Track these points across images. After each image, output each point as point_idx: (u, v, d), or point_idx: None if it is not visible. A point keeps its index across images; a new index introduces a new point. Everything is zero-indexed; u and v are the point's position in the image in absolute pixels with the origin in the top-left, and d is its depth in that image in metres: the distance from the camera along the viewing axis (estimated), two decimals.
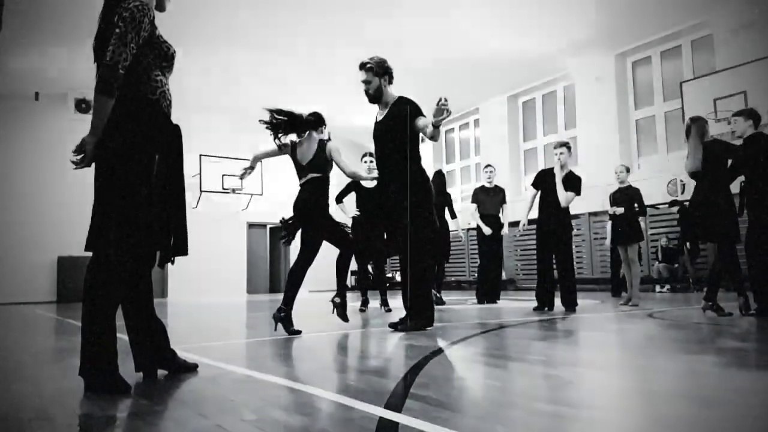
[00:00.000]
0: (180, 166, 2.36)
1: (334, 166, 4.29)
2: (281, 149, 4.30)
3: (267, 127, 4.14)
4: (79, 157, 2.14)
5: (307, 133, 4.33)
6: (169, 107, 2.35)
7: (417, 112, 4.12)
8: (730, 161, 4.84)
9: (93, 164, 2.17)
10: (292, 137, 4.36)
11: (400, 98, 4.22)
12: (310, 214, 4.17)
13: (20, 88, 11.60)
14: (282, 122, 4.14)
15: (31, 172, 11.62)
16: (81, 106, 12.08)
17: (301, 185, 4.26)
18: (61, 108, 12.09)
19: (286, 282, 4.23)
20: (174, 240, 2.34)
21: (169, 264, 2.40)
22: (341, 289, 4.32)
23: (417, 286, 4.13)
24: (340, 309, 4.31)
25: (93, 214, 2.15)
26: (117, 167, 2.12)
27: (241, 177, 4.37)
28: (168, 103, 2.34)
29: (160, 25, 2.35)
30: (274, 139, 4.18)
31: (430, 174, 4.87)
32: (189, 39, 8.82)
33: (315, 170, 4.22)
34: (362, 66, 4.20)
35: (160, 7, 2.43)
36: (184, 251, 2.37)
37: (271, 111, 4.12)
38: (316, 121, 4.34)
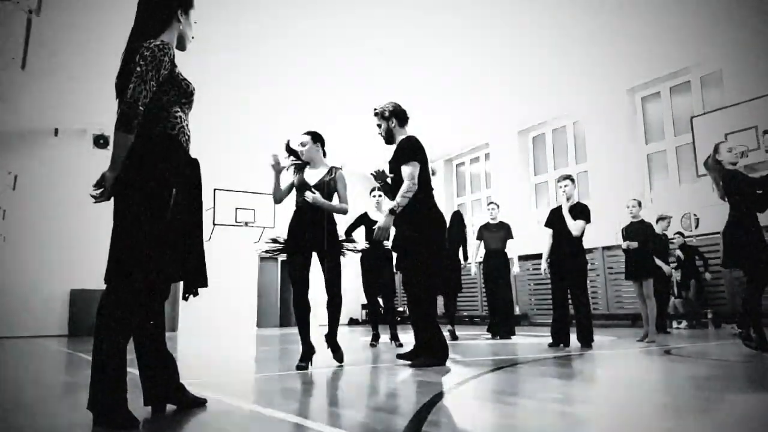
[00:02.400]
0: (198, 200, 2.40)
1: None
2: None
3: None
4: (98, 191, 2.18)
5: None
6: (188, 142, 2.40)
7: (404, 155, 4.20)
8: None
9: (112, 198, 2.21)
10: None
11: (402, 139, 4.34)
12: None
13: (40, 124, 11.85)
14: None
15: (47, 206, 11.76)
16: (99, 141, 12.28)
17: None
18: (79, 143, 12.30)
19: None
20: (194, 272, 2.35)
21: (191, 296, 2.40)
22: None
23: (422, 321, 4.13)
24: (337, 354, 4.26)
25: (111, 247, 2.17)
26: (135, 201, 2.16)
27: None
28: (187, 138, 2.39)
29: (180, 62, 2.41)
30: None
31: (444, 208, 4.88)
32: (205, 75, 9.01)
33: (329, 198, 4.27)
34: (374, 113, 4.47)
35: (181, 47, 2.50)
36: (204, 283, 2.39)
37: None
38: (314, 138, 4.41)
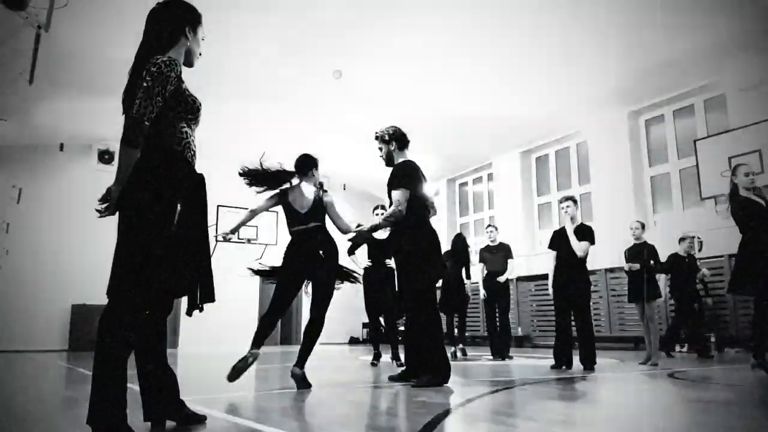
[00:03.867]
0: (203, 214, 2.40)
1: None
2: (277, 199, 4.38)
3: (248, 183, 4.37)
4: (104, 205, 2.19)
5: (298, 178, 4.39)
6: (194, 158, 2.41)
7: (396, 181, 4.34)
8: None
9: (116, 213, 2.21)
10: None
11: (397, 164, 4.49)
12: (331, 257, 4.14)
13: (46, 139, 11.93)
14: (266, 176, 4.33)
15: (50, 220, 11.78)
16: (104, 157, 12.35)
17: (300, 232, 4.22)
18: (84, 159, 12.37)
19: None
20: (201, 288, 2.35)
21: (195, 312, 2.39)
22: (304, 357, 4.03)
23: (422, 340, 4.17)
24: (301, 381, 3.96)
25: (113, 262, 2.17)
26: (140, 216, 2.16)
27: (225, 239, 4.38)
28: (192, 153, 2.40)
29: (187, 78, 2.43)
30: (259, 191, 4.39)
31: (442, 230, 4.96)
32: (211, 92, 9.09)
33: (316, 219, 4.22)
34: (375, 137, 4.64)
35: (189, 63, 2.52)
36: (211, 298, 2.38)
37: (247, 171, 4.38)
38: (301, 165, 4.41)
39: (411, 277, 4.21)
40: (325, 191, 4.39)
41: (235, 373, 3.98)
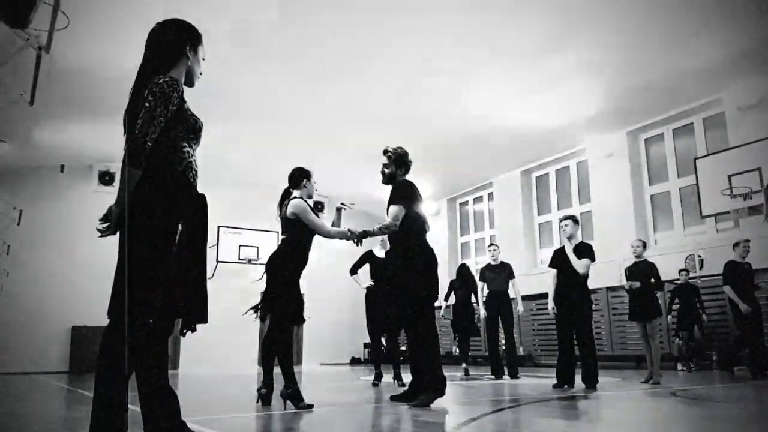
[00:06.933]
0: (203, 235, 2.40)
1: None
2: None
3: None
4: (105, 225, 2.20)
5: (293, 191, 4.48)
6: (195, 177, 2.42)
7: (395, 196, 4.47)
8: None
9: (117, 233, 2.22)
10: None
11: (399, 181, 4.60)
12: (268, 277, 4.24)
13: (47, 161, 11.98)
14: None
15: (51, 242, 11.78)
16: (105, 178, 12.40)
17: None
18: (85, 180, 12.42)
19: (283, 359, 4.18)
20: (194, 308, 2.34)
21: (189, 332, 2.38)
22: (267, 376, 4.25)
23: (419, 356, 4.29)
24: (265, 398, 4.19)
25: (114, 282, 2.18)
26: (141, 236, 2.17)
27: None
28: (194, 173, 2.41)
29: (188, 99, 2.45)
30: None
31: (443, 249, 5.01)
32: (212, 112, 9.14)
33: (283, 232, 4.30)
34: (384, 152, 4.70)
35: (189, 83, 2.54)
36: (203, 319, 2.37)
37: None
38: (290, 177, 4.47)
39: (408, 295, 4.28)
40: (318, 207, 4.45)
41: (264, 399, 4.22)
